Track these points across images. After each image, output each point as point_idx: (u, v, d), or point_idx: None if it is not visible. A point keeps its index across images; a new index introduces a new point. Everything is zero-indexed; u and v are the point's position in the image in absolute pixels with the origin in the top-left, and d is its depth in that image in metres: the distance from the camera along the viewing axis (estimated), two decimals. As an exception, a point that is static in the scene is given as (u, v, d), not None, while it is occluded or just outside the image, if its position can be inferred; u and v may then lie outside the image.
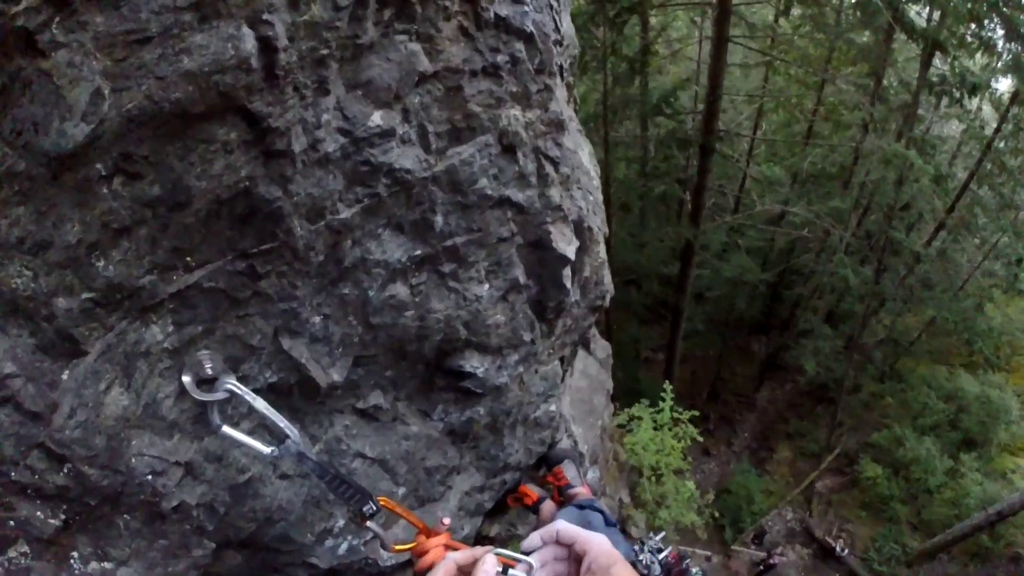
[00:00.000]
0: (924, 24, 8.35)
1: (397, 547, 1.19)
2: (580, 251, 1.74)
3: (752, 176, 11.53)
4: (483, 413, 1.95)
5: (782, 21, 10.27)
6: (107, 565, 1.08)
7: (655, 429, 7.23)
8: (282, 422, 1.11)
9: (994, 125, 9.54)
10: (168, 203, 0.91)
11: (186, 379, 1.06)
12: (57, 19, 0.75)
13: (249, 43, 0.85)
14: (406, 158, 1.12)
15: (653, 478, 8.32)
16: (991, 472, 10.79)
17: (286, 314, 1.16)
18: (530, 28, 1.24)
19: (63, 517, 1.01)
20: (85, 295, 0.91)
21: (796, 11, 9.27)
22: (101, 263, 0.90)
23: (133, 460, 1.05)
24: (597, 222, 1.81)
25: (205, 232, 0.97)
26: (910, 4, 7.99)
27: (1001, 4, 6.59)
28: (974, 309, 10.48)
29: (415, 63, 1.06)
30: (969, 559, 10.18)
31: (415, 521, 1.23)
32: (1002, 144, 9.38)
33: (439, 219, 1.26)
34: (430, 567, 1.09)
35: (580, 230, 1.74)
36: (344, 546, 1.59)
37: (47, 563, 1.01)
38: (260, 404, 1.09)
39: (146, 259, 0.94)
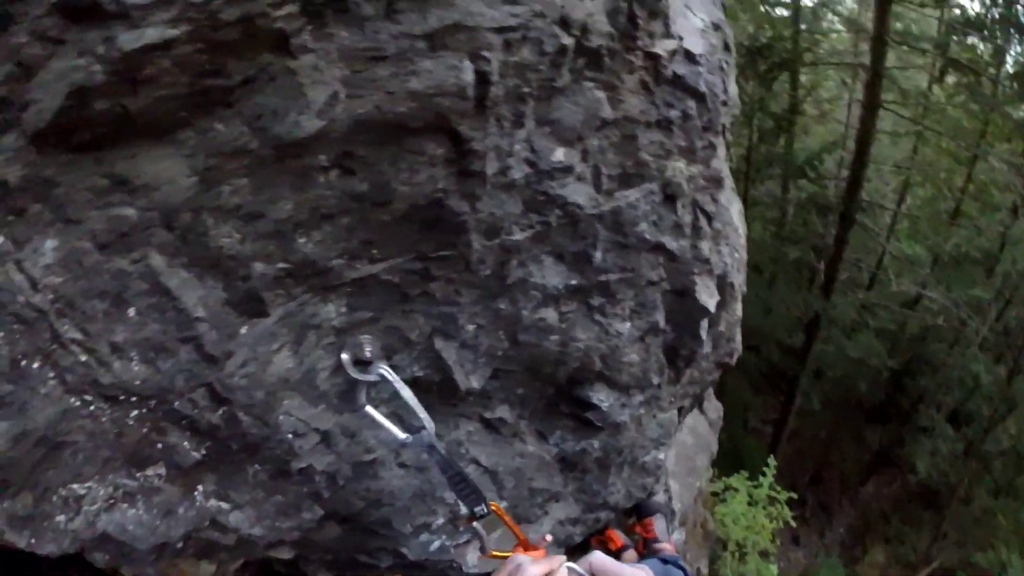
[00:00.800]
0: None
1: (495, 553, 1.22)
2: (719, 305, 1.77)
3: (891, 252, 10.86)
4: (597, 447, 1.98)
5: (936, 88, 9.71)
6: (224, 505, 1.21)
7: (749, 504, 6.86)
8: (422, 413, 1.20)
9: None
10: (372, 200, 1.06)
11: (344, 357, 1.18)
12: (310, 28, 0.90)
13: (469, 74, 1.00)
14: (579, 194, 1.22)
15: (737, 554, 7.87)
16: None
17: (445, 317, 1.28)
18: (703, 88, 1.33)
19: (203, 452, 1.13)
20: (280, 264, 1.06)
21: (951, 79, 8.75)
22: (302, 240, 1.05)
23: (281, 418, 1.19)
24: (739, 280, 1.83)
25: (395, 231, 1.12)
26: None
27: None
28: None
29: (598, 109, 1.18)
30: None
31: (518, 533, 1.25)
32: None
33: (598, 254, 1.34)
34: None
35: (722, 285, 1.76)
36: (436, 544, 1.65)
37: (176, 488, 1.14)
38: (407, 393, 1.20)
39: (340, 244, 1.09)
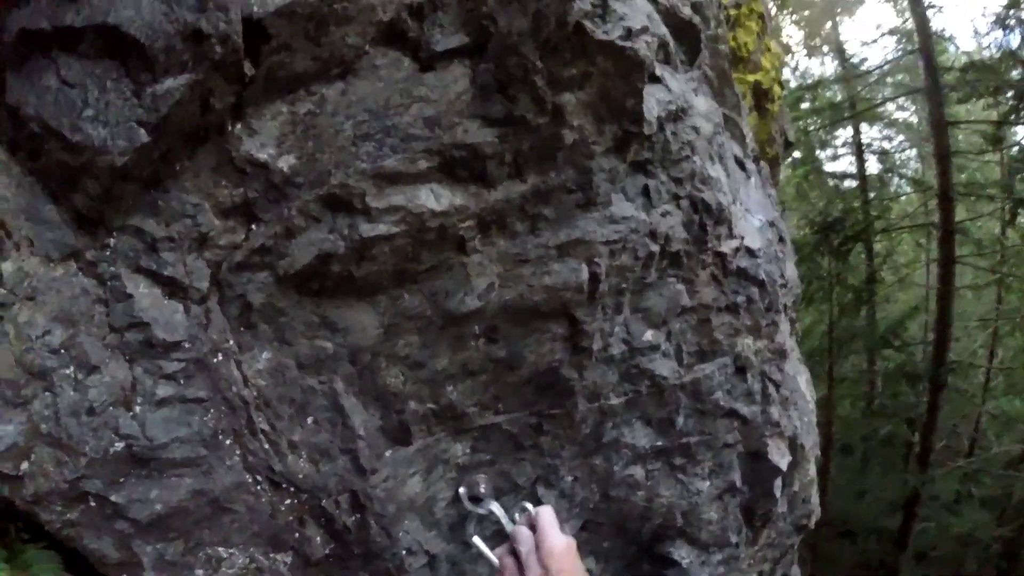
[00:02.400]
0: None
1: None
2: (791, 466, 1.90)
3: (989, 412, 10.19)
4: (673, 607, 2.04)
5: (1009, 232, 9.58)
6: None
7: None
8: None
9: None
10: (506, 364, 1.34)
11: (462, 490, 1.39)
12: (480, 236, 1.23)
13: (584, 275, 1.31)
14: (664, 368, 1.48)
15: None
16: None
17: (549, 468, 1.49)
18: (762, 276, 1.61)
19: (329, 550, 1.28)
20: (429, 405, 1.30)
21: (1023, 219, 8.65)
22: (450, 388, 1.31)
23: (401, 534, 1.35)
24: (810, 442, 1.97)
25: (519, 390, 1.38)
26: None
27: None
28: None
29: (679, 298, 1.47)
30: None
31: None
32: None
33: (680, 419, 1.56)
34: None
35: (793, 446, 1.91)
36: None
37: None
38: (511, 528, 1.33)
39: (476, 396, 1.34)
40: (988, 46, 9.44)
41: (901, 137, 11.20)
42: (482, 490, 1.41)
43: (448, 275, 1.22)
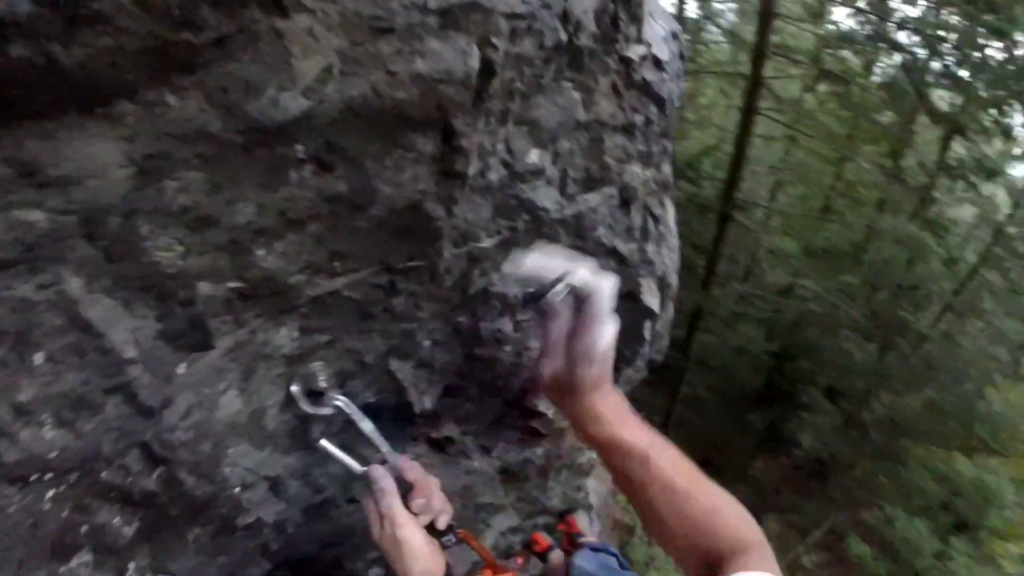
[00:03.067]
0: (947, 109, 8.60)
1: None
2: (660, 306, 1.79)
3: (765, 247, 11.66)
4: (539, 454, 1.96)
5: (808, 96, 10.57)
6: None
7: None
8: (385, 446, 1.12)
9: (1007, 210, 9.70)
10: (349, 203, 0.88)
11: (295, 389, 1.04)
12: None
13: (475, 61, 0.86)
14: (547, 198, 1.16)
15: (644, 539, 8.17)
16: (981, 557, 10.61)
17: (403, 335, 1.17)
18: (664, 94, 1.32)
19: (137, 526, 0.92)
20: (232, 284, 0.85)
21: (823, 88, 9.57)
22: (262, 252, 0.85)
23: (227, 470, 1.01)
24: (675, 281, 1.86)
25: (365, 240, 0.96)
26: (934, 89, 8.26)
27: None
28: (975, 393, 10.49)
29: (574, 111, 1.11)
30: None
31: (487, 556, 1.23)
32: (1014, 230, 9.53)
33: (555, 261, 1.30)
34: None
35: (663, 286, 1.78)
36: None
37: (105, 575, 0.92)
38: (367, 425, 1.10)
39: (304, 257, 0.91)
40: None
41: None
42: (322, 382, 1.07)
43: (251, 54, 0.70)
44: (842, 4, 8.81)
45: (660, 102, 1.31)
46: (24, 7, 0.54)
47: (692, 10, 11.00)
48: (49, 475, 0.78)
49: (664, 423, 11.23)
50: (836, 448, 11.32)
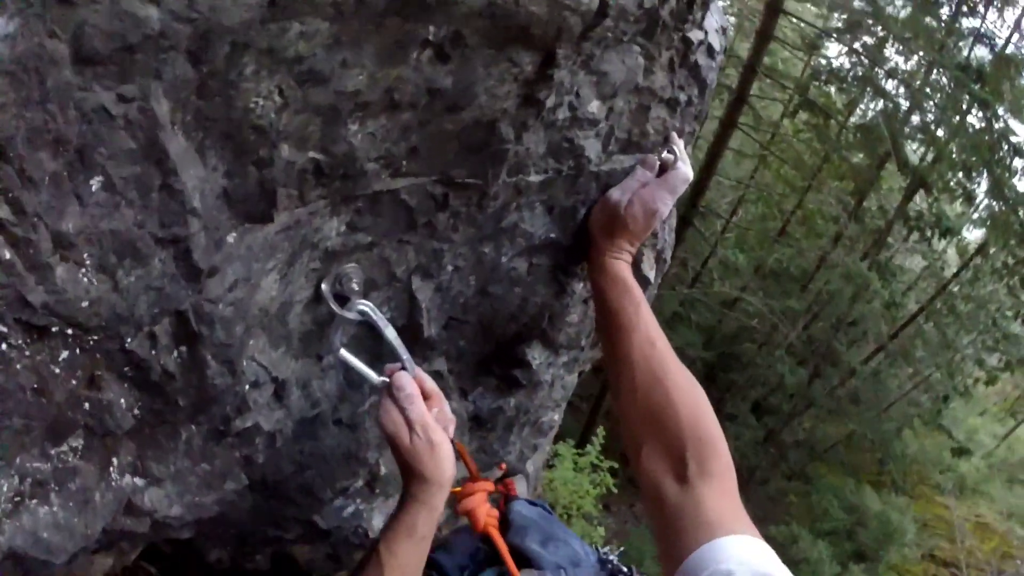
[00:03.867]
0: (916, 161, 9.00)
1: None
2: (655, 277, 1.87)
3: (718, 258, 11.98)
4: (512, 405, 1.99)
5: (786, 122, 10.87)
6: (139, 482, 0.92)
7: (575, 470, 7.36)
8: (406, 353, 1.12)
9: (954, 269, 10.31)
10: (446, 100, 0.86)
11: (325, 287, 1.02)
12: None
13: (597, 0, 0.89)
14: (592, 149, 1.20)
15: (565, 516, 8.38)
16: (876, 588, 11.30)
17: (433, 254, 1.17)
18: (708, 80, 1.39)
19: (138, 414, 0.84)
20: (314, 154, 0.79)
21: (803, 116, 9.86)
22: (355, 127, 0.80)
23: (245, 363, 0.94)
24: (669, 256, 1.95)
25: (441, 146, 0.94)
26: (909, 140, 8.64)
27: (994, 163, 7.23)
28: (893, 432, 11.09)
29: (636, 74, 1.15)
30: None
31: (472, 468, 1.28)
32: (956, 288, 10.11)
33: (583, 211, 1.36)
34: (470, 511, 1.21)
35: (659, 259, 1.86)
36: (350, 509, 1.57)
37: (91, 467, 0.83)
38: (391, 332, 1.09)
39: (386, 145, 0.86)
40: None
41: (727, 2, 11.57)
42: (355, 286, 1.05)
43: None
44: (838, 41, 9.10)
45: (703, 86, 1.38)
46: None
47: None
48: (70, 330, 0.69)
49: (593, 410, 11.47)
50: (754, 462, 11.81)
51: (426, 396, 1.11)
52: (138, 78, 0.61)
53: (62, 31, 0.54)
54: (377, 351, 1.18)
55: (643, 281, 1.78)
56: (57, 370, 0.71)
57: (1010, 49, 8.31)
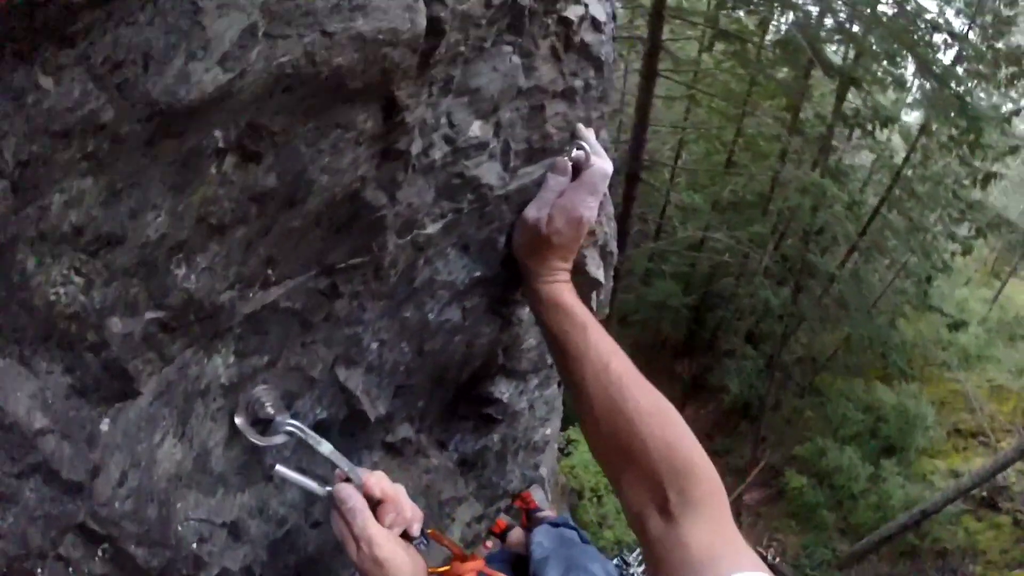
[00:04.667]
0: (841, 62, 9.04)
1: (431, 569, 1.14)
2: (604, 276, 1.75)
3: (674, 204, 12.01)
4: (496, 440, 1.90)
5: (705, 56, 10.87)
6: None
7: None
8: (346, 464, 1.03)
9: (903, 155, 10.41)
10: (280, 199, 0.74)
11: (239, 421, 0.93)
12: None
13: (422, 20, 0.74)
14: (491, 173, 1.07)
15: (594, 499, 8.34)
16: (912, 475, 11.51)
17: (349, 340, 1.06)
18: (603, 56, 1.25)
19: None
20: (151, 314, 0.70)
21: (720, 47, 9.86)
22: (182, 271, 0.70)
23: (180, 528, 0.87)
24: (615, 247, 1.82)
25: (300, 240, 0.82)
26: (828, 43, 8.67)
27: (916, 44, 7.25)
28: (887, 325, 11.25)
29: (516, 77, 1.00)
30: (897, 558, 10.80)
31: (456, 550, 1.20)
32: (910, 172, 10.25)
33: (502, 239, 1.22)
34: None
35: (604, 254, 1.74)
36: None
37: None
38: (326, 448, 1.00)
39: (232, 270, 0.76)
40: None
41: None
42: (268, 408, 0.96)
43: (149, 15, 0.53)
44: (734, -36, 9.08)
45: (599, 65, 1.24)
46: None
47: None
48: None
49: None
50: (762, 389, 11.91)
51: (380, 500, 1.00)
52: None
53: None
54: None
55: (593, 283, 1.66)
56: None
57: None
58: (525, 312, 1.49)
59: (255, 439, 0.94)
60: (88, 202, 0.59)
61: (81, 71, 0.52)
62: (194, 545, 0.90)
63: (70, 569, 0.73)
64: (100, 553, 0.76)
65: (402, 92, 0.77)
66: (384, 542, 0.93)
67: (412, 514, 1.07)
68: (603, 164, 1.14)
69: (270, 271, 0.81)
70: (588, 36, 1.16)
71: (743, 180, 12.07)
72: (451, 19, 0.80)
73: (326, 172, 0.76)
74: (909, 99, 9.68)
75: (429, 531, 1.12)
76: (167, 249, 0.67)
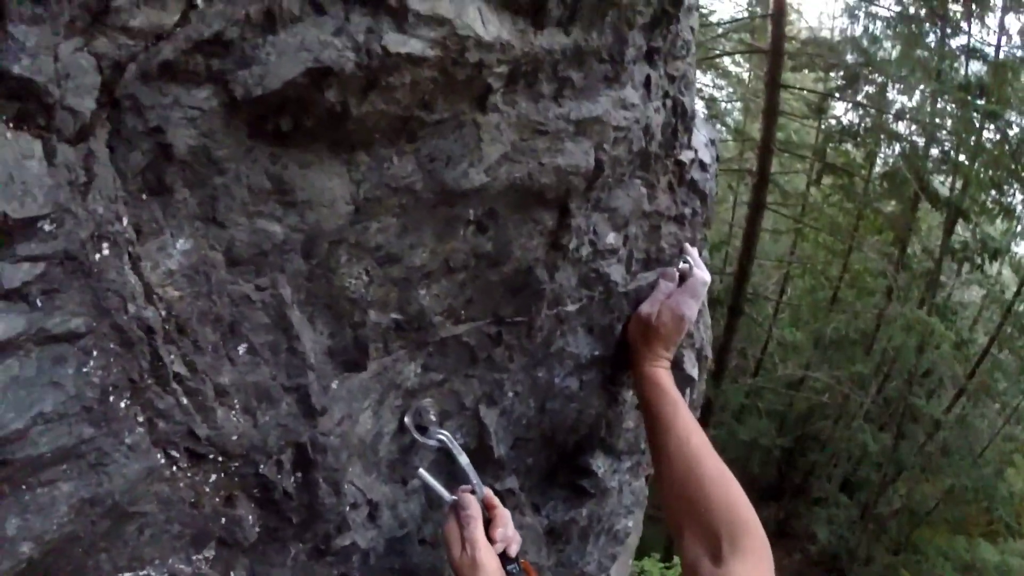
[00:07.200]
0: (947, 193, 8.82)
1: None
2: (698, 374, 1.98)
3: (776, 340, 11.68)
4: (584, 515, 2.04)
5: (813, 190, 10.93)
6: None
7: (664, 585, 6.96)
8: (476, 478, 1.25)
9: (1014, 289, 9.65)
10: (489, 259, 1.12)
11: (408, 420, 1.19)
12: (503, 91, 0.95)
13: (592, 159, 1.14)
14: (617, 273, 1.41)
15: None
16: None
17: (494, 383, 1.34)
18: (707, 191, 1.60)
19: (258, 530, 0.98)
20: (395, 315, 1.03)
21: (827, 180, 9.93)
22: (423, 291, 1.05)
23: (346, 486, 1.10)
24: (710, 353, 2.07)
25: (491, 292, 1.18)
26: (934, 174, 8.55)
27: (1021, 171, 7.09)
28: (994, 475, 10.10)
29: (641, 202, 1.39)
30: None
31: None
32: (1022, 307, 9.41)
33: (619, 327, 1.52)
34: None
35: (699, 357, 1.98)
36: None
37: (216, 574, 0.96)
38: (464, 459, 1.24)
39: (448, 300, 1.10)
40: (831, 28, 10.57)
41: (730, 89, 12.13)
42: (432, 416, 1.22)
43: (456, 136, 0.93)
44: (841, 99, 9.36)
45: (704, 197, 1.60)
46: (349, 65, 0.72)
47: (700, 110, 11.63)
48: (221, 458, 0.87)
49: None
50: (853, 542, 10.95)
51: (492, 518, 1.21)
52: (269, 272, 0.86)
53: (218, 244, 0.79)
54: (453, 473, 1.30)
55: (687, 380, 1.90)
56: (207, 489, 0.88)
57: (1001, 55, 8.34)
58: (629, 395, 1.75)
59: (416, 435, 1.20)
60: (390, 231, 0.96)
61: (412, 157, 0.92)
62: (347, 507, 1.12)
63: (278, 476, 0.96)
64: (297, 477, 0.99)
65: (573, 204, 1.18)
66: (486, 549, 1.12)
67: (513, 535, 1.27)
68: (704, 275, 1.43)
69: (464, 311, 1.16)
70: (696, 174, 1.55)
71: (847, 317, 11.69)
72: (607, 161, 1.20)
73: (520, 248, 1.15)
74: (1019, 228, 9.20)
75: (523, 561, 1.26)
76: (421, 274, 1.03)
